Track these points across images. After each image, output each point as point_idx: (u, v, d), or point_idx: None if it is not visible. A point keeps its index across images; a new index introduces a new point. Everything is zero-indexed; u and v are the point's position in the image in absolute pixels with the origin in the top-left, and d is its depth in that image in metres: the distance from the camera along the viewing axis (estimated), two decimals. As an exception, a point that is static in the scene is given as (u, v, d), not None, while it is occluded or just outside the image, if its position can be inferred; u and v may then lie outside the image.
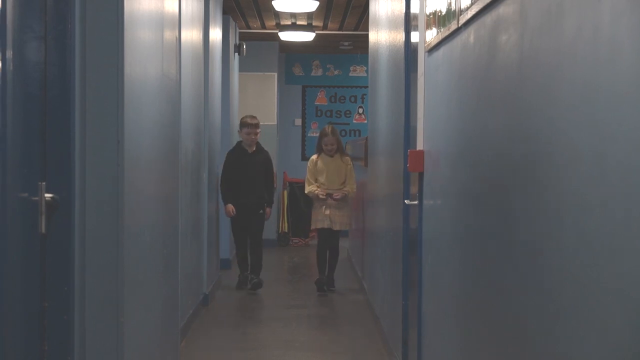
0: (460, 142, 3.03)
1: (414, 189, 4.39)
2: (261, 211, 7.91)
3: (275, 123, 11.98)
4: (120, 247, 3.34)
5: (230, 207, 7.84)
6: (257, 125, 7.84)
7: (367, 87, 8.57)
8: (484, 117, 2.63)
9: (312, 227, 7.99)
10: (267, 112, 11.83)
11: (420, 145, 4.02)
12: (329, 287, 7.93)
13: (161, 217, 4.43)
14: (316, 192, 7.82)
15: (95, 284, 3.29)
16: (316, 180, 7.90)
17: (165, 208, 4.57)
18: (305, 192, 7.95)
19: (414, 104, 4.49)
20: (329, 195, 7.80)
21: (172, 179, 4.86)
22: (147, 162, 3.98)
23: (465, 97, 2.94)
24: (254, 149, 7.90)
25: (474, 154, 2.78)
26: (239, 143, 7.98)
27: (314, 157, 8.00)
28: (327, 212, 7.83)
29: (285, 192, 12.07)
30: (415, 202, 4.18)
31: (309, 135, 13.18)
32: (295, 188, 11.93)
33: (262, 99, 11.85)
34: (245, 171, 7.79)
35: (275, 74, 12.07)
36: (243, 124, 7.89)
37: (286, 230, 11.95)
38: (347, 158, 8.03)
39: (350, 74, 13.30)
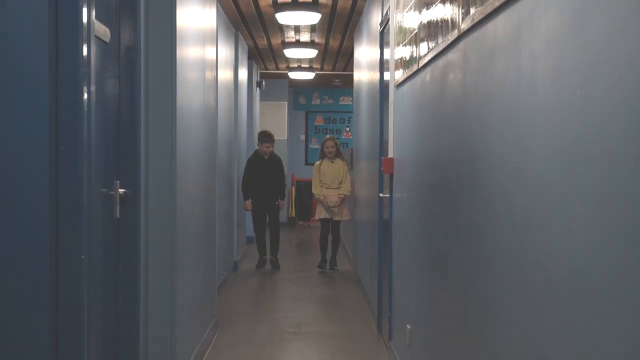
0: (420, 152, 3.02)
1: (386, 186, 4.38)
2: (277, 202, 7.36)
3: (286, 138, 11.98)
4: (174, 228, 3.34)
5: (248, 202, 7.27)
6: (273, 139, 7.36)
7: (353, 112, 8.55)
8: (437, 134, 2.63)
9: (316, 217, 7.36)
10: (280, 130, 11.84)
11: (391, 154, 4.02)
12: (332, 266, 7.30)
13: (203, 206, 4.42)
14: (320, 199, 7.16)
15: (155, 254, 3.29)
16: (320, 181, 7.28)
17: (206, 200, 4.56)
18: (313, 191, 7.24)
19: (386, 124, 4.48)
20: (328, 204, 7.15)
21: (210, 179, 4.85)
22: (193, 167, 3.98)
23: (424, 120, 2.94)
24: (268, 156, 7.35)
25: (430, 160, 2.77)
26: (256, 151, 7.38)
27: (318, 162, 7.35)
28: (328, 206, 7.21)
29: (293, 188, 12.07)
30: (387, 195, 4.17)
31: (310, 147, 13.17)
32: (301, 185, 11.95)
33: (276, 121, 11.84)
34: (262, 173, 7.24)
35: (286, 103, 12.07)
36: (263, 140, 7.29)
37: (294, 216, 11.94)
38: (345, 164, 7.42)
39: (340, 103, 13.28)
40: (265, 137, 7.29)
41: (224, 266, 6.32)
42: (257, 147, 7.45)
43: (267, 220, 7.40)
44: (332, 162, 7.29)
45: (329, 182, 7.27)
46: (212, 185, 4.93)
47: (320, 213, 7.24)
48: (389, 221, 4.03)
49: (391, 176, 4.00)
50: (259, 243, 7.41)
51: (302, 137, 13.25)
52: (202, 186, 4.36)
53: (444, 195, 2.48)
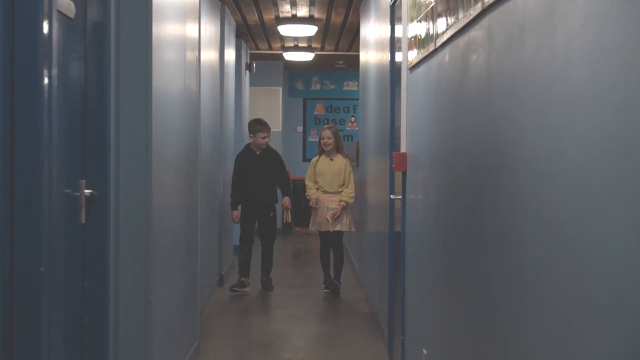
0: (437, 145, 3.03)
1: (398, 186, 4.39)
2: (272, 214, 6.87)
3: (280, 130, 11.98)
4: (148, 235, 3.34)
5: (235, 214, 6.83)
6: (270, 129, 6.89)
7: (358, 99, 8.57)
8: (458, 123, 2.63)
9: (311, 228, 6.84)
10: (273, 121, 11.83)
11: (403, 148, 4.02)
12: (334, 291, 6.71)
13: (183, 208, 4.43)
14: (311, 197, 6.76)
15: (127, 266, 3.30)
16: (316, 183, 6.82)
17: (186, 201, 4.57)
18: (305, 194, 6.87)
19: (398, 113, 4.49)
20: (323, 208, 6.71)
21: (192, 177, 4.86)
22: (171, 162, 3.98)
23: (441, 107, 2.94)
24: (263, 150, 6.89)
25: (449, 154, 2.78)
26: (248, 145, 6.96)
27: (315, 158, 6.90)
28: (326, 213, 6.72)
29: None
30: (399, 197, 4.18)
31: (309, 140, 13.19)
32: (298, 185, 11.93)
33: (269, 110, 11.85)
34: (255, 173, 6.77)
35: (280, 88, 12.08)
36: (257, 129, 6.81)
37: (290, 221, 11.96)
38: (347, 162, 6.85)
39: (344, 89, 13.30)
40: (260, 125, 6.83)
41: (208, 280, 6.32)
42: (249, 140, 6.94)
43: (259, 234, 6.92)
44: (331, 159, 6.80)
45: (327, 184, 6.75)
46: (194, 185, 4.94)
47: (314, 224, 6.75)
48: (402, 227, 4.04)
49: (404, 174, 4.00)
50: (242, 258, 6.80)
51: (300, 128, 13.28)
52: (183, 186, 4.37)
53: (466, 197, 2.49)
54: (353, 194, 6.76)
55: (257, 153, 6.87)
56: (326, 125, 7.05)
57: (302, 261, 9.27)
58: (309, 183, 6.82)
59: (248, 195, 6.80)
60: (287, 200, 6.91)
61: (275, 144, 11.73)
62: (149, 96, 3.34)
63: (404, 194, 4.01)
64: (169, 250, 3.93)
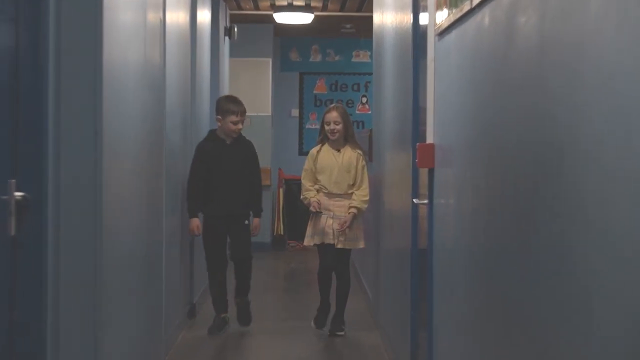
0: (475, 134, 3.03)
1: (423, 187, 4.38)
2: (246, 221, 6.59)
3: (270, 114, 11.98)
4: (98, 252, 3.34)
5: (196, 223, 6.51)
6: (245, 112, 6.59)
7: (372, 74, 8.57)
8: (501, 106, 2.63)
9: (306, 242, 6.52)
10: (261, 102, 11.84)
11: (430, 138, 4.02)
12: (336, 329, 6.48)
13: (144, 218, 4.43)
14: (311, 200, 6.43)
15: (70, 292, 3.29)
16: (317, 182, 6.52)
17: (148, 209, 4.57)
18: (301, 197, 6.58)
19: (423, 93, 4.49)
20: (327, 212, 6.44)
21: (156, 176, 4.86)
22: (128, 158, 3.98)
23: (480, 84, 2.94)
24: (234, 139, 6.58)
25: (490, 147, 2.78)
26: (213, 132, 6.66)
27: (315, 149, 6.58)
28: (330, 222, 6.41)
29: (281, 191, 12.09)
30: (425, 202, 4.17)
31: (307, 127, 13.19)
32: (292, 186, 11.94)
33: (255, 88, 11.84)
34: (224, 169, 6.49)
35: (270, 60, 12.07)
36: (227, 110, 6.49)
37: (282, 233, 11.96)
38: (360, 153, 6.54)
39: (353, 60, 13.30)
40: (232, 104, 6.56)
41: (176, 311, 6.33)
42: (217, 124, 6.64)
43: (230, 249, 6.70)
44: (338, 150, 6.51)
45: (331, 184, 6.45)
46: (158, 187, 4.94)
47: (314, 236, 6.44)
48: (428, 242, 4.04)
49: (431, 172, 4.01)
50: (215, 291, 6.64)
51: (295, 112, 13.29)
52: (143, 188, 4.38)
53: (513, 202, 2.49)
54: (367, 198, 6.47)
55: (227, 143, 6.53)
56: (333, 105, 6.66)
57: (298, 285, 9.27)
58: (306, 183, 6.48)
59: (214, 200, 6.47)
60: (257, 223, 6.69)
61: (263, 132, 11.76)
62: (99, 70, 3.34)
63: (430, 198, 4.01)
64: (125, 273, 3.93)
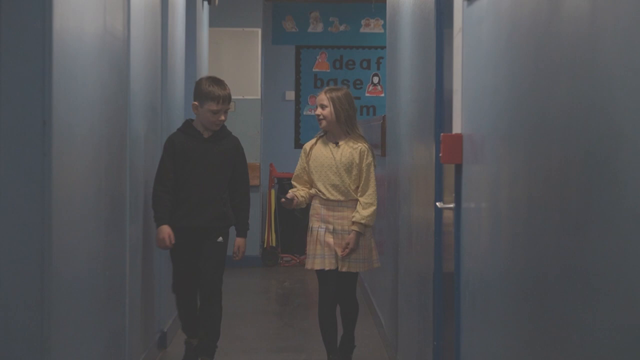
0: (513, 123, 3.02)
1: (449, 188, 4.38)
2: (220, 238, 6.44)
3: (259, 97, 11.97)
4: (46, 268, 3.34)
5: (167, 231, 6.28)
6: (230, 99, 6.45)
7: (385, 47, 8.56)
8: (546, 88, 2.62)
9: (307, 265, 6.35)
10: (248, 82, 11.83)
11: (457, 128, 4.01)
12: (347, 353, 6.53)
13: (103, 227, 4.42)
14: (287, 194, 6.35)
15: (12, 317, 3.28)
16: (310, 187, 6.39)
17: (108, 215, 4.56)
18: (282, 200, 6.45)
19: (448, 71, 4.48)
20: (323, 226, 6.28)
21: (117, 175, 4.85)
22: (83, 153, 3.97)
23: (520, 60, 2.93)
24: (215, 133, 6.48)
25: (531, 138, 2.77)
26: (189, 123, 6.51)
27: (310, 142, 6.45)
28: (330, 239, 6.24)
29: (273, 192, 12.08)
30: (451, 206, 4.17)
31: (304, 113, 13.18)
32: (287, 186, 11.89)
33: (241, 65, 11.83)
34: (197, 170, 6.39)
35: (259, 31, 12.06)
36: (208, 95, 6.34)
37: (274, 245, 11.95)
38: (364, 147, 6.32)
39: (362, 30, 13.29)
40: (214, 87, 6.41)
41: (142, 340, 6.33)
42: (193, 112, 6.48)
43: (198, 267, 6.47)
44: (336, 143, 6.34)
45: (327, 187, 6.29)
46: (121, 189, 4.93)
47: (314, 258, 6.28)
48: (455, 255, 4.04)
49: (458, 169, 4.00)
50: (184, 313, 6.65)
51: (290, 95, 13.28)
52: (102, 189, 4.37)
53: (560, 209, 2.48)
54: (373, 208, 6.26)
55: (205, 137, 6.43)
56: (327, 87, 6.48)
57: (295, 309, 9.27)
58: (297, 184, 6.41)
59: (182, 207, 6.39)
60: (241, 244, 6.57)
61: (252, 120, 11.75)
62: (48, 43, 3.33)
63: (458, 201, 4.00)
64: (79, 294, 3.92)
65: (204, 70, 10.15)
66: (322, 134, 6.40)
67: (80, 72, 3.88)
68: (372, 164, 6.33)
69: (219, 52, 11.61)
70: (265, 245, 11.95)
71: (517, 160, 2.97)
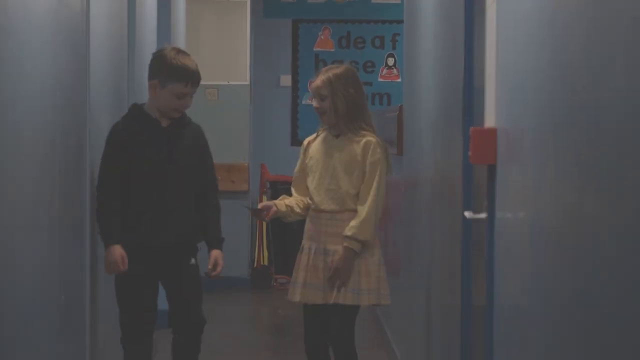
0: (559, 114, 3.02)
1: (479, 194, 4.37)
2: (193, 260, 6.03)
3: (248, 83, 11.99)
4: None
5: (119, 252, 5.74)
6: (199, 81, 6.08)
7: (402, 22, 8.56)
8: (602, 71, 2.61)
9: (288, 296, 6.03)
10: (234, 65, 11.85)
11: (490, 120, 4.02)
12: None
13: (57, 241, 4.42)
14: (264, 205, 6.18)
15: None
16: (307, 183, 6.06)
17: (64, 226, 4.56)
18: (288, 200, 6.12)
19: (479, 51, 4.48)
20: (311, 245, 5.95)
21: (76, 175, 4.85)
22: (33, 149, 3.97)
23: (569, 37, 2.93)
24: (174, 120, 6.05)
25: (583, 134, 2.76)
26: (139, 108, 6.06)
27: (309, 138, 6.24)
28: (319, 262, 5.89)
29: (265, 198, 12.08)
30: (483, 216, 4.16)
31: (303, 102, 13.19)
32: (282, 191, 11.86)
33: (225, 43, 11.85)
34: (155, 169, 5.92)
35: (248, 1, 12.07)
36: (174, 72, 5.93)
37: (266, 264, 11.97)
38: (371, 139, 5.94)
39: (374, 1, 13.30)
40: (186, 61, 6.02)
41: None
42: (149, 95, 6.05)
43: (169, 309, 6.07)
44: (337, 136, 6.03)
45: (320, 191, 5.98)
46: (78, 193, 4.92)
47: (295, 286, 5.95)
48: (487, 273, 4.03)
49: (491, 171, 4.00)
50: None
51: (286, 79, 13.29)
52: (54, 194, 4.36)
53: (620, 220, 2.47)
54: (372, 220, 5.87)
55: (163, 126, 6.00)
56: (329, 66, 6.27)
57: (291, 342, 9.26)
58: (295, 192, 6.15)
59: (136, 221, 5.91)
60: (218, 256, 6.07)
61: (239, 110, 11.74)
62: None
63: (491, 210, 4.00)
64: (25, 331, 3.91)
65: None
66: (326, 126, 6.08)
67: (29, 54, 3.88)
68: (381, 162, 5.90)
69: (199, 27, 11.62)
70: (255, 265, 11.97)
71: (565, 160, 2.97)
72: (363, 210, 5.82)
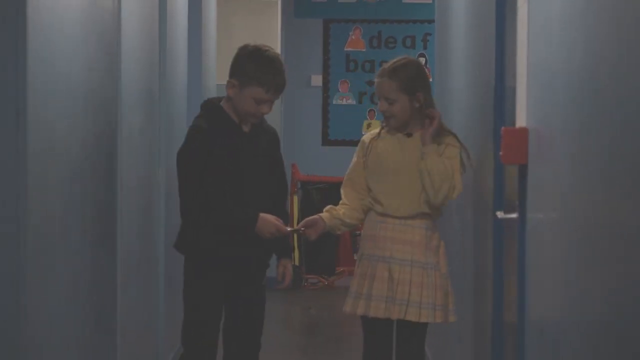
0: (593, 113, 3.01)
1: (511, 194, 4.37)
2: (263, 282, 5.72)
3: (279, 83, 11.96)
4: (20, 293, 3.35)
5: (266, 218, 5.41)
6: (283, 87, 5.64)
7: (434, 21, 8.55)
8: (633, 70, 2.61)
9: (346, 308, 5.49)
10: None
11: (521, 120, 4.01)
12: None
13: (89, 243, 4.44)
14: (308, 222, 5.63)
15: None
16: (366, 195, 5.50)
17: (95, 228, 4.57)
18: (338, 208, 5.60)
19: (510, 51, 4.47)
20: (377, 255, 5.38)
21: (107, 177, 4.86)
22: (66, 150, 3.99)
23: (603, 35, 2.92)
24: (255, 125, 5.55)
25: (617, 132, 2.76)
26: (217, 107, 5.52)
27: (371, 134, 5.64)
28: (385, 273, 5.35)
29: (296, 199, 12.06)
30: (514, 216, 4.16)
31: (334, 102, 13.18)
32: (313, 191, 11.90)
33: (256, 43, 11.82)
34: (244, 179, 5.47)
35: (279, 1, 12.06)
36: (255, 76, 5.42)
37: (296, 263, 11.93)
38: (452, 143, 5.42)
39: (405, 0, 13.27)
40: (268, 68, 5.51)
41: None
42: (227, 94, 5.47)
43: (233, 322, 5.62)
44: (409, 135, 5.45)
45: (391, 194, 5.42)
46: (110, 194, 4.94)
47: (357, 301, 5.43)
48: (519, 274, 4.02)
49: (522, 171, 4.00)
50: None
51: (317, 79, 13.26)
52: (87, 196, 4.38)
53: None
54: (449, 183, 5.35)
55: (245, 131, 5.51)
56: (386, 65, 5.60)
57: (323, 342, 9.27)
58: (346, 193, 5.65)
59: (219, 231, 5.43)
60: (287, 266, 5.78)
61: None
62: (22, 19, 3.34)
63: (522, 210, 4.00)
64: (60, 329, 3.94)
65: (211, 50, 10.17)
66: (382, 126, 5.56)
67: (61, 54, 3.89)
68: (459, 157, 5.41)
69: (230, 27, 11.63)
70: (287, 265, 11.95)
71: (596, 159, 2.96)
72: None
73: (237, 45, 11.13)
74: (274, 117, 11.73)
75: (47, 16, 3.64)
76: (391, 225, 5.39)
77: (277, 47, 11.92)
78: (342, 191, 5.63)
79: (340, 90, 13.20)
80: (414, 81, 5.43)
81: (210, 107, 5.50)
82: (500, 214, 4.56)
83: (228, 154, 5.38)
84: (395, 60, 5.56)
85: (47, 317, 3.70)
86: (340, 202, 5.57)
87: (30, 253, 3.42)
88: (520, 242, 4.03)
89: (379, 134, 5.53)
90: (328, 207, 5.61)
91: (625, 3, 2.68)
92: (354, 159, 5.59)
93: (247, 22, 11.88)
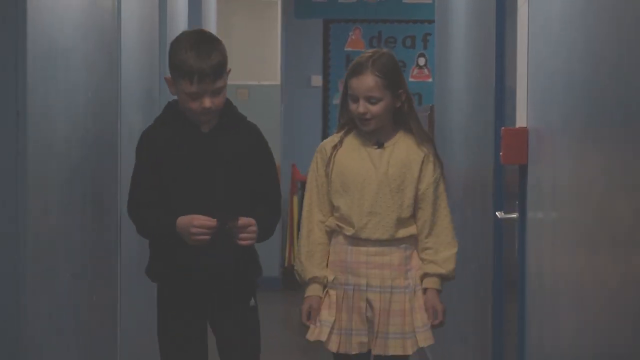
0: (593, 113, 3.01)
1: (511, 194, 4.37)
2: (252, 301, 4.88)
3: (279, 83, 11.98)
4: (21, 294, 3.35)
5: (187, 217, 4.56)
6: (216, 72, 4.62)
7: (434, 21, 8.55)
8: (633, 69, 2.61)
9: (311, 337, 4.88)
10: (265, 65, 11.84)
11: (521, 120, 4.01)
12: None
13: (90, 243, 4.43)
14: (304, 299, 4.81)
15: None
16: (331, 213, 4.73)
17: (96, 228, 4.57)
18: (295, 269, 4.94)
19: (511, 51, 4.47)
20: (350, 284, 4.65)
21: (108, 178, 4.86)
22: (66, 150, 3.99)
23: (603, 34, 2.92)
24: (218, 122, 4.72)
25: (618, 133, 2.76)
26: (174, 109, 4.79)
27: (331, 140, 4.82)
28: (361, 303, 4.63)
29: (296, 199, 12.06)
30: (514, 216, 4.16)
31: (334, 102, 13.17)
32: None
33: (256, 43, 11.85)
34: (203, 186, 4.67)
35: (279, 1, 12.06)
36: (178, 65, 4.67)
37: (293, 263, 11.91)
38: (429, 150, 4.73)
39: (405, 0, 13.28)
40: (188, 52, 4.63)
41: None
42: (171, 93, 4.82)
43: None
44: (380, 145, 4.68)
45: (362, 215, 4.62)
46: (110, 198, 4.94)
47: (322, 327, 4.78)
48: (520, 275, 4.02)
49: (522, 171, 4.00)
50: None
51: (317, 79, 13.27)
52: (87, 198, 4.38)
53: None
54: (455, 251, 4.69)
55: (204, 131, 4.74)
56: (368, 53, 4.70)
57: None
58: (307, 221, 4.84)
59: (178, 246, 4.67)
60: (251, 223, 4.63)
61: (270, 110, 11.72)
62: (21, 18, 3.34)
63: (522, 210, 4.00)
64: (59, 331, 3.94)
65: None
66: (344, 127, 4.81)
67: (61, 53, 3.89)
68: (442, 179, 4.77)
69: (230, 28, 11.62)
70: (286, 264, 11.94)
71: (596, 159, 2.96)
72: (447, 240, 4.65)
73: (237, 45, 11.20)
74: (274, 117, 11.74)
75: (47, 16, 3.64)
76: (364, 249, 4.63)
77: (277, 48, 11.94)
78: (303, 213, 4.87)
79: (339, 90, 13.19)
80: (398, 76, 4.69)
81: (168, 107, 4.84)
82: (500, 214, 4.55)
83: (179, 156, 4.66)
84: (369, 53, 4.68)
85: (47, 317, 3.70)
86: (312, 228, 4.77)
87: (30, 253, 3.42)
88: (520, 242, 4.03)
89: (340, 141, 4.75)
90: (311, 275, 4.74)
91: (625, 3, 2.68)
92: (313, 172, 4.86)
93: (247, 22, 11.86)
